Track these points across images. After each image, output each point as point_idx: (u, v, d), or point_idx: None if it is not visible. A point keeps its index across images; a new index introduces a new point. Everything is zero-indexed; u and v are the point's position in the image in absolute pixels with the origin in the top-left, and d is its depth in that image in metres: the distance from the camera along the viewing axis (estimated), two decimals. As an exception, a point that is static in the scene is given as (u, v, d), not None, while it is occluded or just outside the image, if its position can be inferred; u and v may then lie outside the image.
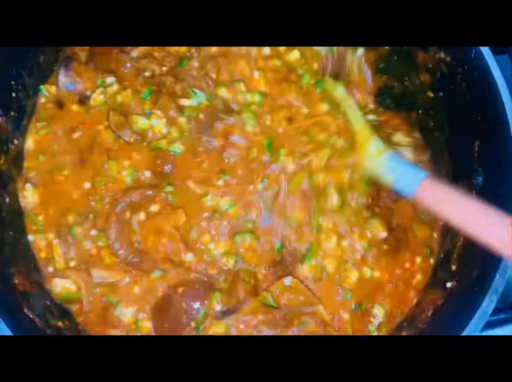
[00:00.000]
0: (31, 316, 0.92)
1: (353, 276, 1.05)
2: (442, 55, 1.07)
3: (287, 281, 1.03)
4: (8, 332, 0.81)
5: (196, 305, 1.00)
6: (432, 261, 1.11)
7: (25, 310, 0.92)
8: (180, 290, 1.01)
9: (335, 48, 1.16)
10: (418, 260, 1.11)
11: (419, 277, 1.10)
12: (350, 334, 1.02)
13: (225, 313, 1.01)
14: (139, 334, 1.00)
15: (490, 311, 0.87)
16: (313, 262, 1.05)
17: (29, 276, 1.00)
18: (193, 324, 0.99)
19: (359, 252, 1.07)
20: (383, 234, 1.09)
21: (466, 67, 1.03)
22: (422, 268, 1.10)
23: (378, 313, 1.04)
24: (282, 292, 1.03)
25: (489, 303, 0.87)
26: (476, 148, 1.03)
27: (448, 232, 1.10)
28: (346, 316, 1.04)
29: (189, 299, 1.01)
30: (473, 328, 0.85)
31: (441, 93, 1.13)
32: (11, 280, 0.94)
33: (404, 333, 1.00)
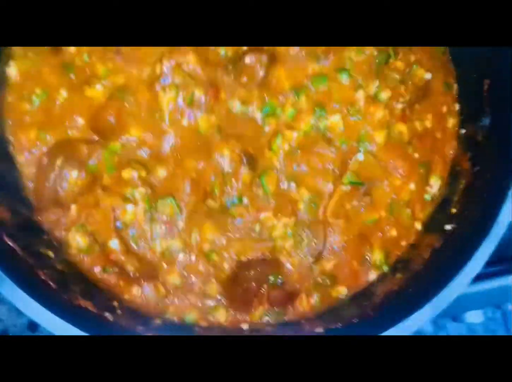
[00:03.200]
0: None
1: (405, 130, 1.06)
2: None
3: (360, 156, 1.04)
4: None
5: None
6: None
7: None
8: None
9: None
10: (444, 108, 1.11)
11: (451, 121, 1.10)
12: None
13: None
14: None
15: (486, 258, 0.85)
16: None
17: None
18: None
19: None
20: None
21: None
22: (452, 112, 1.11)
23: (434, 183, 1.07)
24: (357, 167, 1.03)
25: (485, 249, 0.85)
26: (486, 87, 1.00)
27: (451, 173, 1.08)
28: (412, 186, 1.06)
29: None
30: (469, 271, 0.85)
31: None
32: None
33: (399, 275, 1.01)
